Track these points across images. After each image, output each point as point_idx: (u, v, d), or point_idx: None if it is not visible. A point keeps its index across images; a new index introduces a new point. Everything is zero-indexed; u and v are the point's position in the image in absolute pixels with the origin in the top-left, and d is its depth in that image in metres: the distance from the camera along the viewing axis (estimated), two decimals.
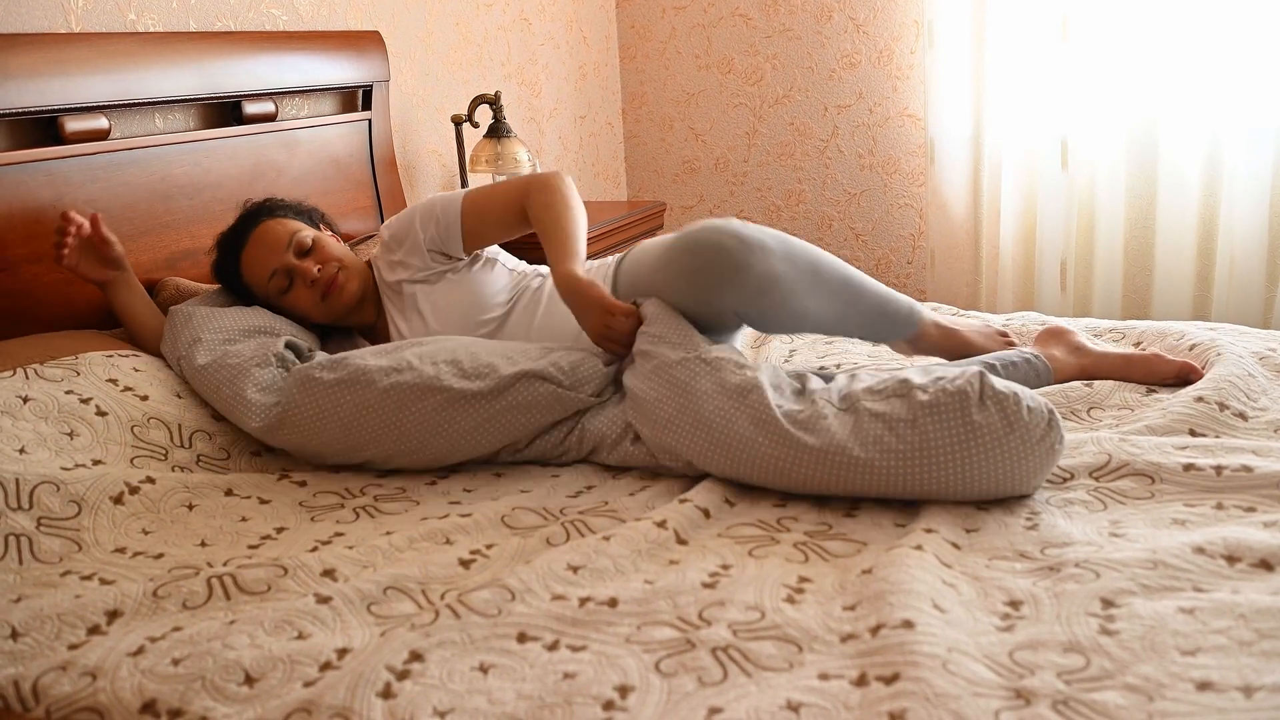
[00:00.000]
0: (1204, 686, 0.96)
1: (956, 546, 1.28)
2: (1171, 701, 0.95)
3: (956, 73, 3.29)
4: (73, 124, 1.86)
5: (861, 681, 1.01)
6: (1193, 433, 1.57)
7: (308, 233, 1.88)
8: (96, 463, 1.50)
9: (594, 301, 1.68)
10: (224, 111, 2.22)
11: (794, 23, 3.59)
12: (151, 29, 2.09)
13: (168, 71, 2.02)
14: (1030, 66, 3.20)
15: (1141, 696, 0.96)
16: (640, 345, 1.61)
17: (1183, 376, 1.76)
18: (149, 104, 2.00)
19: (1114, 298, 3.28)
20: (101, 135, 1.91)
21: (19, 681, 1.09)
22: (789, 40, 3.61)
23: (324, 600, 1.20)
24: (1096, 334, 2.06)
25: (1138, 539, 1.26)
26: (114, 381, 1.64)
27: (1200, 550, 1.19)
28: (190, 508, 1.48)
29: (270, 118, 2.28)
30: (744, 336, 2.25)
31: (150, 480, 1.49)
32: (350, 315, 1.93)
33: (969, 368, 1.43)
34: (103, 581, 1.28)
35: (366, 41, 2.54)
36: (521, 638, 1.12)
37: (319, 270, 1.85)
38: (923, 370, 1.49)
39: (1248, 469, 1.38)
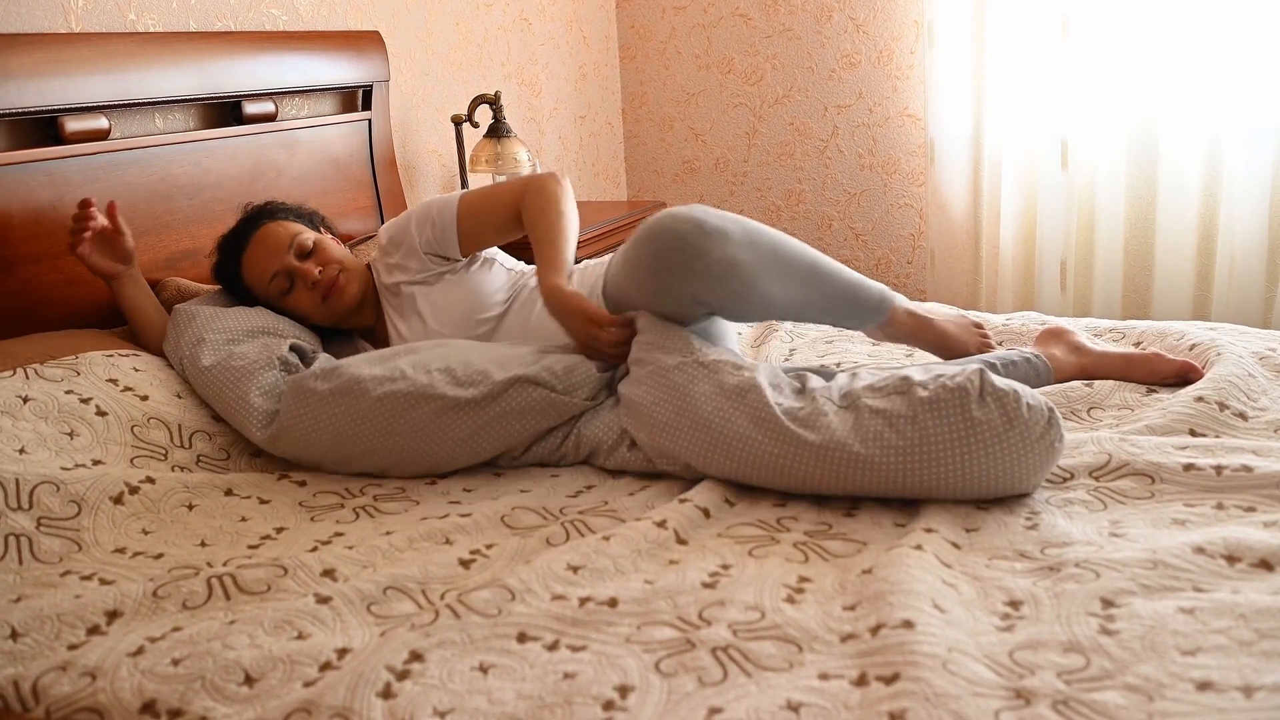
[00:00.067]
0: (1204, 686, 0.96)
1: (956, 546, 1.28)
2: (1171, 701, 0.95)
3: (956, 73, 3.29)
4: (73, 124, 1.86)
5: (861, 681, 1.01)
6: (1193, 433, 1.57)
7: (309, 235, 1.89)
8: (96, 463, 1.50)
9: (578, 312, 1.68)
10: (224, 111, 2.22)
11: (794, 23, 3.59)
12: (151, 29, 2.09)
13: (168, 71, 2.02)
14: (1030, 66, 3.20)
15: (1141, 696, 0.96)
16: (635, 353, 1.61)
17: (1183, 376, 1.76)
18: (149, 104, 2.00)
19: (1114, 298, 3.28)
20: (101, 135, 1.91)
21: (19, 681, 1.09)
22: (789, 40, 3.61)
23: (324, 600, 1.20)
24: (1096, 334, 2.06)
25: (1138, 539, 1.26)
26: (114, 381, 1.64)
27: (1200, 550, 1.19)
28: (190, 508, 1.48)
29: (270, 118, 2.28)
30: (743, 338, 2.26)
31: (150, 480, 1.49)
32: (350, 317, 1.93)
33: (969, 365, 1.43)
34: (103, 581, 1.28)
35: (366, 41, 2.54)
36: (521, 638, 1.12)
37: (320, 272, 1.85)
38: (923, 368, 1.49)
39: (1248, 469, 1.38)
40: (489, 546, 1.34)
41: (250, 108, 2.22)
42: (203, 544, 1.40)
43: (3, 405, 1.50)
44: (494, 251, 2.00)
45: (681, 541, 1.33)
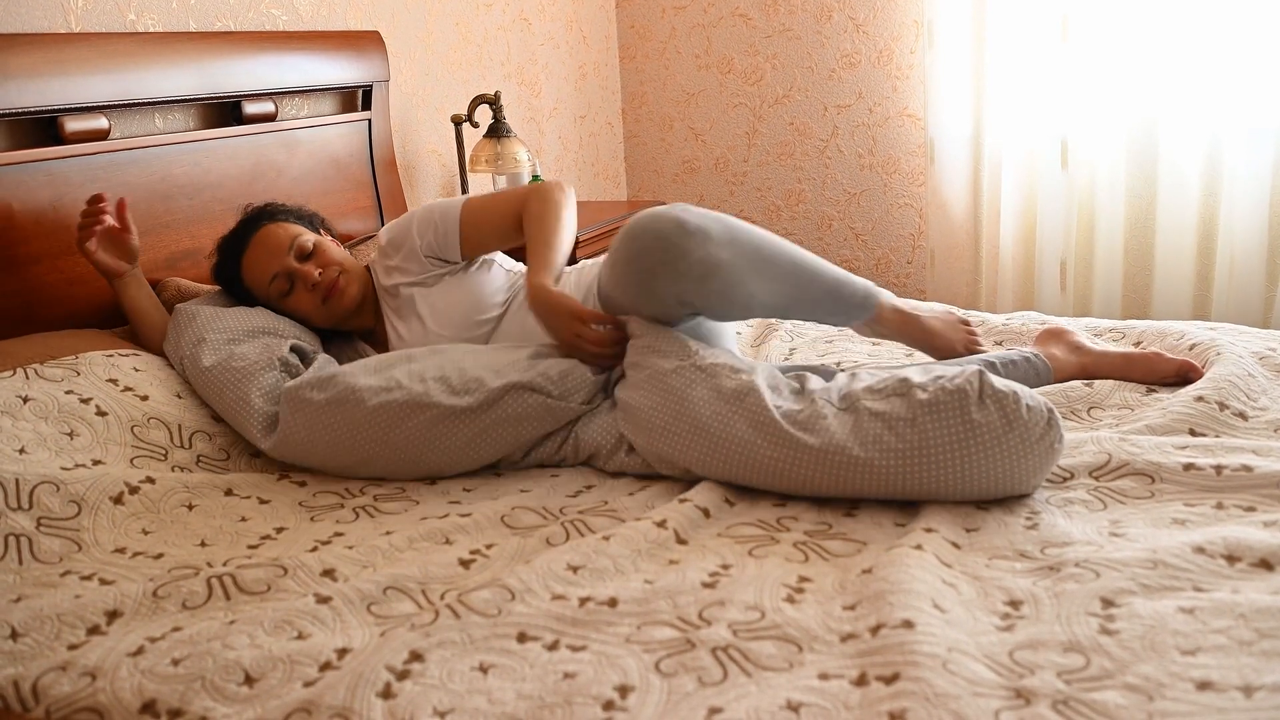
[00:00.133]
0: (1204, 686, 0.96)
1: (956, 546, 1.28)
2: (1171, 701, 0.95)
3: (956, 73, 3.29)
4: (73, 124, 1.86)
5: (861, 681, 1.01)
6: (1193, 432, 1.57)
7: (309, 237, 1.89)
8: (96, 463, 1.50)
9: (562, 310, 1.68)
10: (224, 111, 2.22)
11: (794, 23, 3.59)
12: (151, 29, 2.10)
13: (168, 71, 2.02)
14: (1030, 66, 3.20)
15: (1141, 696, 0.96)
16: (630, 357, 1.61)
17: (1182, 375, 1.76)
18: (149, 104, 2.00)
19: (1114, 298, 3.28)
20: (101, 135, 1.91)
21: (19, 681, 1.09)
22: (789, 40, 3.61)
23: (324, 600, 1.20)
24: (1096, 334, 2.06)
25: (1138, 538, 1.26)
26: (114, 381, 1.64)
27: (1200, 550, 1.19)
28: (190, 508, 1.48)
29: (270, 118, 2.28)
30: (743, 338, 2.26)
31: (150, 480, 1.49)
32: (350, 319, 1.93)
33: (968, 366, 1.43)
34: (102, 581, 1.28)
35: (366, 41, 2.54)
36: (521, 638, 1.12)
37: (320, 274, 1.85)
38: (922, 369, 1.49)
39: (1248, 468, 1.38)
40: (489, 546, 1.34)
41: (250, 108, 2.22)
42: (203, 544, 1.40)
43: (3, 405, 1.50)
44: (493, 253, 2.00)
45: (681, 541, 1.33)
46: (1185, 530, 1.27)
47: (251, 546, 1.39)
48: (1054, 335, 1.92)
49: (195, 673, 1.07)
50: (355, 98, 2.57)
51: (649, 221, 1.60)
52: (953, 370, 1.43)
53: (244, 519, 1.48)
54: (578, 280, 1.89)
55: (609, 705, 1.00)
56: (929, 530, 1.30)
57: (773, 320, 2.29)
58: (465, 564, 1.29)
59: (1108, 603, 1.11)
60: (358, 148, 2.54)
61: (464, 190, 2.87)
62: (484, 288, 1.91)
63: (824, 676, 1.02)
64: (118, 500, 1.44)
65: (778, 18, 3.60)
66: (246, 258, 1.88)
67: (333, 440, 1.58)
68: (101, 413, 1.57)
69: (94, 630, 1.18)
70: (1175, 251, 3.16)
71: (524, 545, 1.34)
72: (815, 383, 1.52)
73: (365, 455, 1.58)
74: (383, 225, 2.58)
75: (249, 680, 1.07)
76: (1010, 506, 1.38)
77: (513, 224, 1.89)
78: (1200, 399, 1.62)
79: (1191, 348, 1.86)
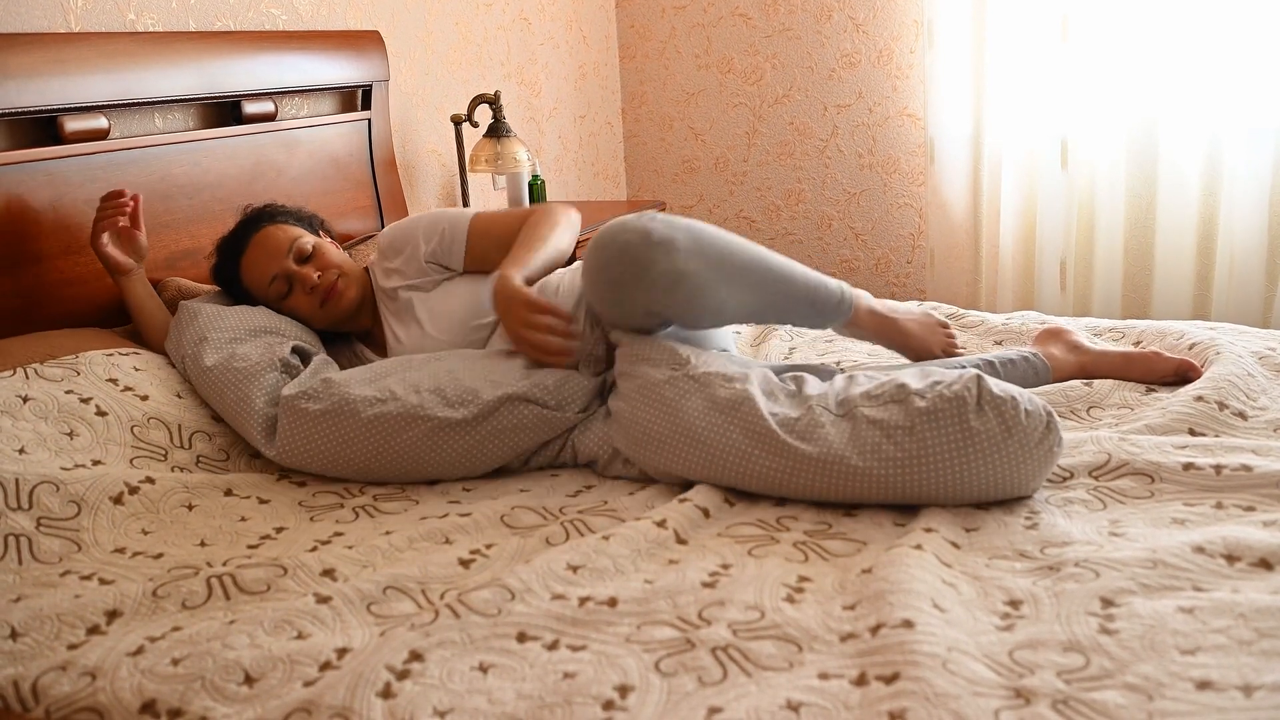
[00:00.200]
0: (1204, 686, 0.96)
1: (956, 546, 1.28)
2: (1171, 701, 0.95)
3: (956, 72, 3.29)
4: (72, 124, 1.86)
5: (861, 681, 1.01)
6: (1192, 432, 1.57)
7: (308, 239, 1.89)
8: (96, 463, 1.50)
9: (518, 297, 1.66)
10: (223, 111, 2.22)
11: (794, 22, 3.59)
12: (151, 29, 2.09)
13: (167, 71, 2.02)
14: (1030, 66, 3.20)
15: (1141, 696, 0.96)
16: (620, 366, 1.60)
17: (1181, 374, 1.76)
18: (148, 104, 2.00)
19: (1114, 297, 3.28)
20: (101, 135, 1.91)
21: (19, 681, 1.09)
22: (789, 40, 3.61)
23: (324, 600, 1.20)
24: (1096, 333, 2.06)
25: (1137, 538, 1.26)
26: (114, 381, 1.64)
27: (1200, 549, 1.19)
28: (190, 508, 1.48)
29: (270, 117, 2.28)
30: (742, 337, 2.25)
31: (150, 480, 1.49)
32: (348, 321, 1.94)
33: (966, 370, 1.42)
34: (102, 581, 1.28)
35: (366, 41, 2.54)
36: (521, 637, 1.12)
37: (319, 277, 1.85)
38: (920, 373, 1.48)
39: (1247, 468, 1.38)
40: (489, 546, 1.34)
41: (250, 107, 2.22)
42: (202, 544, 1.40)
43: (3, 405, 1.50)
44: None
45: (681, 541, 1.33)
46: (1185, 530, 1.27)
47: (251, 546, 1.39)
48: (1053, 335, 1.92)
49: (195, 672, 1.07)
50: (355, 97, 2.57)
51: (615, 233, 1.59)
52: (951, 375, 1.42)
53: (244, 519, 1.48)
54: (572, 280, 1.89)
55: (609, 705, 1.00)
56: (929, 530, 1.30)
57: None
58: (465, 564, 1.29)
59: (1107, 602, 1.11)
60: (357, 147, 2.54)
61: (464, 190, 2.87)
62: (481, 293, 1.91)
63: (824, 676, 1.02)
64: (117, 500, 1.44)
65: (778, 18, 3.60)
66: (245, 259, 1.88)
67: (330, 450, 1.58)
68: (101, 412, 1.57)
69: (94, 630, 1.18)
70: (1175, 251, 3.16)
71: (524, 545, 1.34)
72: (812, 386, 1.51)
73: (362, 465, 1.59)
74: (383, 225, 2.58)
75: (249, 680, 1.07)
76: (1010, 506, 1.38)
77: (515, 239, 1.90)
78: (1200, 398, 1.62)
79: (1191, 347, 1.86)
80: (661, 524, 1.34)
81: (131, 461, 1.54)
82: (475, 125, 2.84)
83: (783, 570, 1.24)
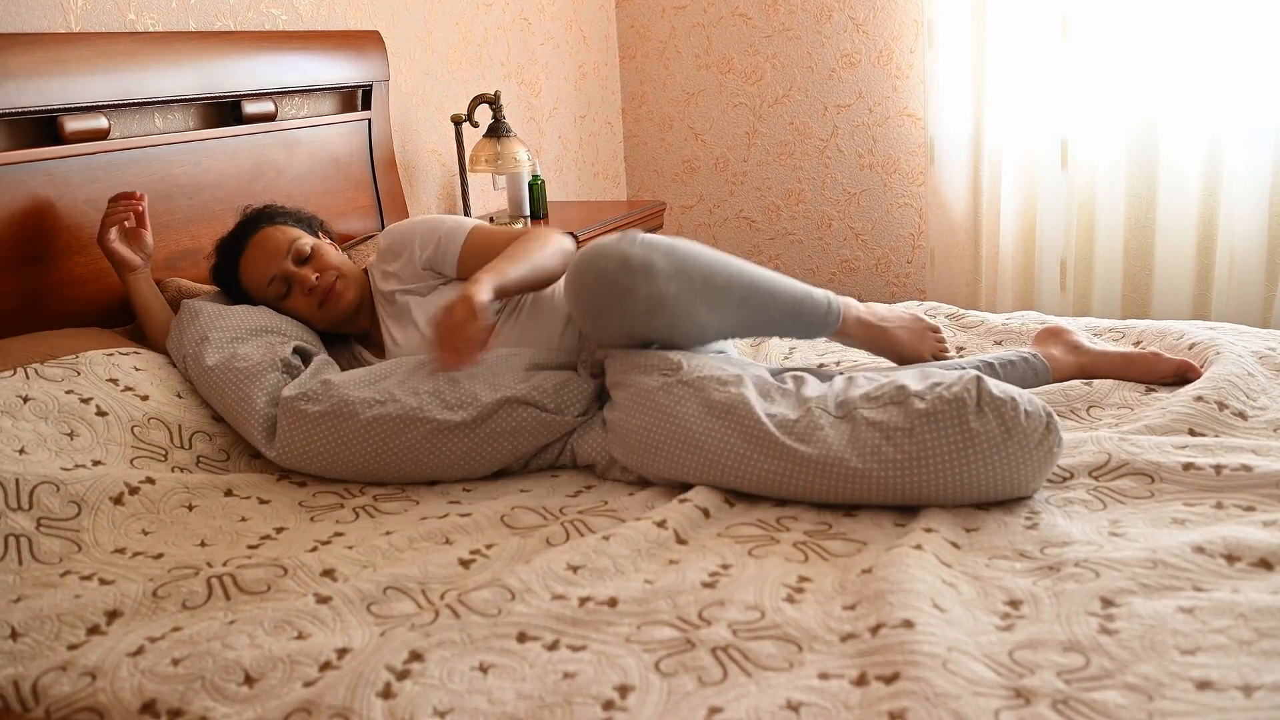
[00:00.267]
0: (1204, 686, 0.96)
1: (956, 546, 1.28)
2: (1171, 701, 0.95)
3: (956, 72, 3.29)
4: (72, 124, 1.86)
5: (861, 681, 1.01)
6: (1192, 432, 1.57)
7: (306, 240, 1.89)
8: (96, 463, 1.50)
9: (472, 301, 1.59)
10: (224, 111, 2.22)
11: (794, 22, 3.59)
12: (151, 29, 2.09)
13: (167, 71, 2.02)
14: (1030, 66, 3.20)
15: (1141, 696, 0.96)
16: (612, 377, 1.60)
17: (1181, 374, 1.76)
18: (149, 104, 2.00)
19: (1114, 297, 3.28)
20: (101, 135, 1.91)
21: (19, 681, 1.09)
22: (789, 40, 3.61)
23: (324, 600, 1.20)
24: (1096, 333, 2.06)
25: (1137, 538, 1.26)
26: (114, 381, 1.64)
27: (1200, 549, 1.19)
28: (190, 508, 1.48)
29: (270, 117, 2.28)
30: (740, 339, 2.25)
31: (150, 481, 1.49)
32: (347, 323, 1.94)
33: (966, 372, 1.42)
34: (102, 582, 1.28)
35: (366, 41, 2.54)
36: (521, 637, 1.12)
37: (317, 278, 1.86)
38: (919, 374, 1.48)
39: (1247, 468, 1.38)
40: (489, 546, 1.34)
41: (250, 107, 2.22)
42: (202, 544, 1.40)
43: (3, 405, 1.50)
44: None
45: (681, 541, 1.33)
46: (1185, 530, 1.27)
47: (251, 546, 1.39)
48: (1052, 334, 1.92)
49: (195, 673, 1.07)
50: (355, 97, 2.57)
51: (594, 259, 1.57)
52: (951, 376, 1.42)
53: (244, 519, 1.48)
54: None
55: (609, 705, 1.00)
56: (929, 530, 1.30)
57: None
58: (465, 564, 1.29)
59: (1107, 602, 1.11)
60: (357, 147, 2.54)
61: (464, 190, 2.87)
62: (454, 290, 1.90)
63: (824, 676, 1.02)
64: (118, 500, 1.44)
65: (778, 18, 3.60)
66: (244, 260, 1.89)
67: (329, 451, 1.58)
68: (102, 413, 1.57)
69: (94, 630, 1.18)
70: (1175, 251, 3.16)
71: (524, 545, 1.34)
72: (811, 387, 1.51)
73: (361, 466, 1.59)
74: (383, 225, 2.58)
75: (249, 680, 1.07)
76: (1010, 507, 1.38)
77: None
78: (1199, 399, 1.62)
79: (1191, 347, 1.86)
80: (661, 524, 1.34)
81: (132, 462, 1.54)
82: (475, 125, 2.84)
83: (783, 570, 1.24)
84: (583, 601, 1.17)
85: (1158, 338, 1.96)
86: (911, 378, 1.46)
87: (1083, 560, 1.20)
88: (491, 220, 2.90)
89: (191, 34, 2.11)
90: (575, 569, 1.24)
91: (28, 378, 1.56)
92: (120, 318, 1.96)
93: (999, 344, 2.08)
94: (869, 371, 1.63)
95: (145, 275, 1.88)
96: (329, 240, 2.00)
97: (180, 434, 1.63)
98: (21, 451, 1.45)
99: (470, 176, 3.06)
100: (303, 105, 2.45)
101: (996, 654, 1.04)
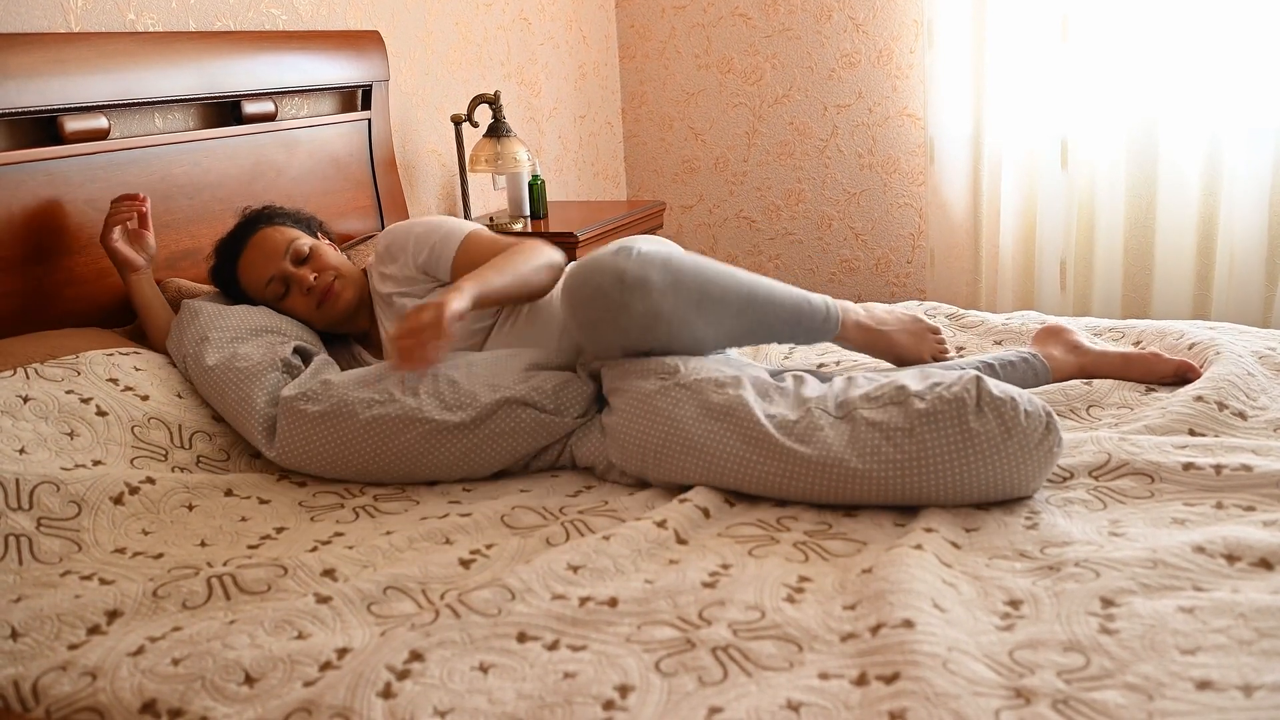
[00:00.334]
0: (1204, 685, 0.96)
1: (956, 546, 1.28)
2: (1171, 700, 0.95)
3: (956, 72, 3.29)
4: (72, 124, 1.86)
5: (862, 681, 1.01)
6: (1192, 432, 1.57)
7: (305, 241, 1.90)
8: (96, 463, 1.50)
9: (444, 310, 1.57)
10: (224, 111, 2.22)
11: (794, 22, 3.59)
12: (151, 29, 2.09)
13: (167, 71, 2.02)
14: (1030, 66, 3.20)
15: (1141, 695, 0.96)
16: (610, 384, 1.59)
17: (1181, 375, 1.76)
18: (149, 104, 2.00)
19: (1114, 297, 3.28)
20: (101, 135, 1.91)
21: (19, 681, 1.09)
22: (789, 40, 3.61)
23: (324, 600, 1.20)
24: (1096, 333, 2.06)
25: (1137, 538, 1.26)
26: (114, 381, 1.64)
27: (1200, 549, 1.19)
28: (190, 508, 1.48)
29: (270, 117, 2.28)
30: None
31: (150, 481, 1.49)
32: (346, 323, 1.94)
33: (966, 372, 1.42)
34: (103, 581, 1.29)
35: (366, 41, 2.54)
36: (522, 637, 1.12)
37: (315, 278, 1.86)
38: (919, 375, 1.48)
39: (1247, 468, 1.38)
40: (489, 546, 1.34)
41: (250, 107, 2.22)
42: (203, 544, 1.40)
43: (3, 405, 1.50)
44: None
45: (681, 541, 1.33)
46: (1185, 530, 1.27)
47: (252, 546, 1.40)
48: (1053, 334, 1.92)
49: (195, 672, 1.08)
50: (355, 97, 2.57)
51: (588, 274, 1.57)
52: (951, 376, 1.42)
53: (244, 519, 1.48)
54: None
55: (609, 705, 1.00)
56: (929, 530, 1.30)
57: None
58: (465, 564, 1.29)
59: (1108, 602, 1.11)
60: (357, 147, 2.54)
61: (464, 190, 2.87)
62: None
63: (824, 676, 1.02)
64: (118, 500, 1.44)
65: (778, 18, 3.60)
66: (243, 260, 1.89)
67: (328, 451, 1.58)
68: (102, 412, 1.57)
69: (94, 630, 1.18)
70: (1175, 251, 3.16)
71: (524, 545, 1.34)
72: (811, 388, 1.51)
73: (361, 466, 1.59)
74: (383, 225, 2.58)
75: (249, 680, 1.07)
76: (1010, 506, 1.38)
77: None
78: (1199, 399, 1.62)
79: (1191, 347, 1.86)
80: (662, 524, 1.34)
81: (132, 461, 1.54)
82: (475, 125, 2.84)
83: (783, 570, 1.24)
84: (583, 601, 1.17)
85: (1158, 338, 1.96)
86: (911, 378, 1.46)
87: (1083, 560, 1.20)
88: (491, 220, 2.90)
89: (191, 34, 2.11)
90: (575, 569, 1.24)
91: (28, 378, 1.56)
92: (120, 318, 1.96)
93: (999, 344, 2.07)
94: (868, 371, 1.63)
95: (147, 276, 1.88)
96: (328, 241, 2.00)
97: (180, 434, 1.63)
98: (22, 451, 1.45)
99: (470, 176, 3.06)
100: (303, 105, 2.45)
101: (997, 654, 1.04)
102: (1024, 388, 1.74)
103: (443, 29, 2.96)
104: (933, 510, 1.36)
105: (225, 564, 1.30)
